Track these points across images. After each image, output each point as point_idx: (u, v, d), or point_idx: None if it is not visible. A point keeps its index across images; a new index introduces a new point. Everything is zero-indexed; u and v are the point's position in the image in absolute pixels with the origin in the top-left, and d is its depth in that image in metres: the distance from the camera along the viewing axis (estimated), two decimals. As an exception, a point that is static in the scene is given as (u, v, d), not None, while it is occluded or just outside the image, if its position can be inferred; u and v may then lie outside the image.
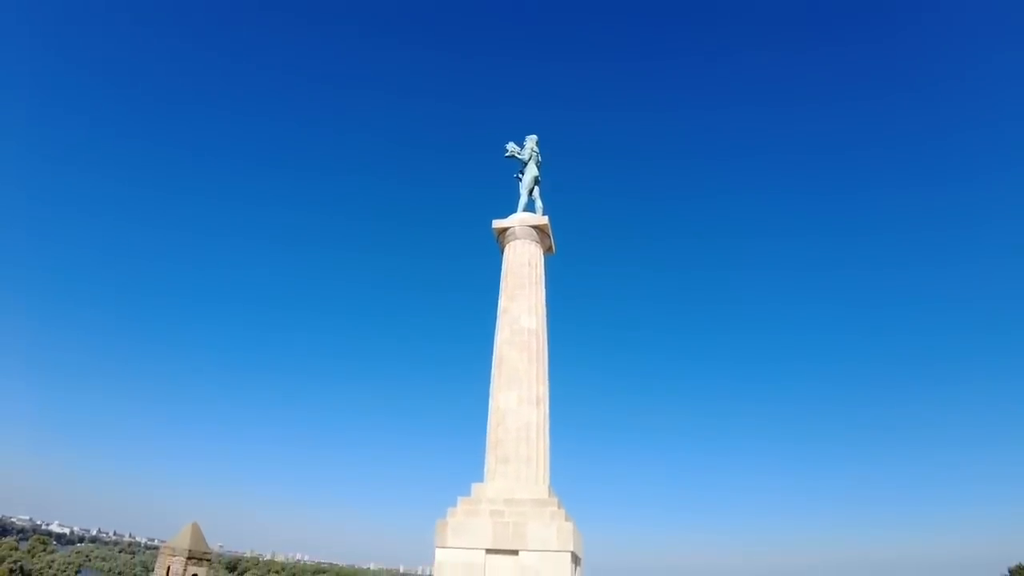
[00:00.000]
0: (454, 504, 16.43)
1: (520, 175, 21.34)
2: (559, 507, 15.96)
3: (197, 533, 26.84)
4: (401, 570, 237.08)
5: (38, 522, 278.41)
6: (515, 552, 15.09)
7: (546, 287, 19.70)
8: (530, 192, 21.03)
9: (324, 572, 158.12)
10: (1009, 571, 44.01)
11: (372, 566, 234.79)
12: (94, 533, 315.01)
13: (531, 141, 21.61)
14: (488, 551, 15.26)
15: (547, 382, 18.16)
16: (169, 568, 25.87)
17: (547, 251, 20.67)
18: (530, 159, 21.29)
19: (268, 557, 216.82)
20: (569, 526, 15.26)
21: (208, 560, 27.00)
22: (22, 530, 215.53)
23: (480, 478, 17.25)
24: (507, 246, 20.03)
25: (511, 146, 21.46)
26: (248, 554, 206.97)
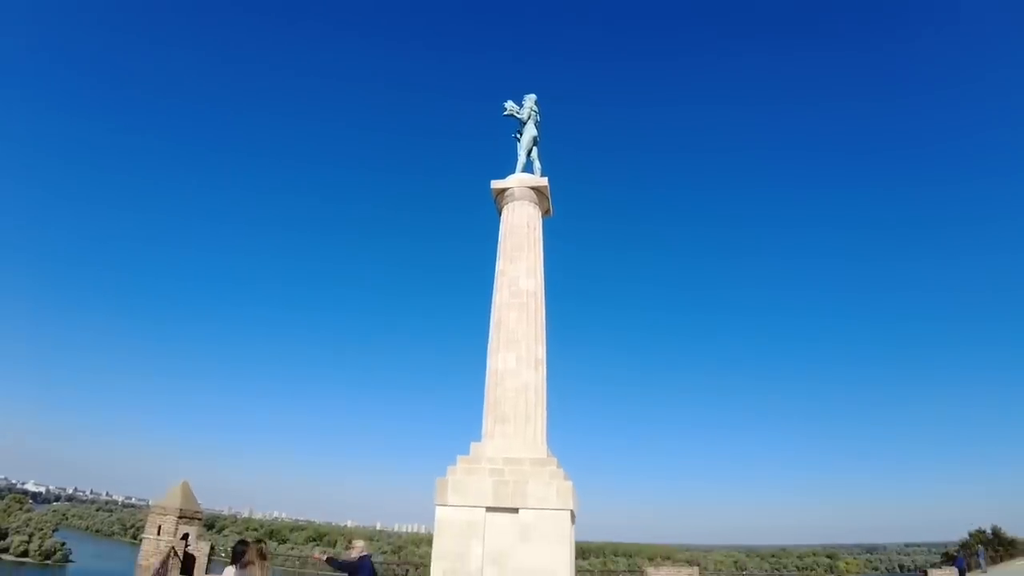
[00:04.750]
0: (453, 463, 16.63)
1: (518, 135, 21.00)
2: (558, 467, 16.29)
3: (188, 492, 26.82)
4: (378, 527, 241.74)
5: (13, 481, 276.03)
6: (515, 510, 15.41)
7: (544, 249, 19.69)
8: (528, 153, 20.75)
9: (302, 529, 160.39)
10: (969, 535, 46.47)
11: (349, 523, 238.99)
12: (70, 492, 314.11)
13: (530, 100, 21.20)
14: (488, 509, 15.54)
15: (545, 344, 18.29)
16: (160, 527, 25.88)
17: (545, 213, 20.57)
18: (529, 119, 20.94)
19: (246, 515, 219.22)
20: (568, 485, 15.60)
21: (199, 519, 27.07)
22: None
23: (475, 439, 17.45)
24: (505, 207, 19.87)
25: (509, 105, 21.05)
26: (226, 512, 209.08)
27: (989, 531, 45.97)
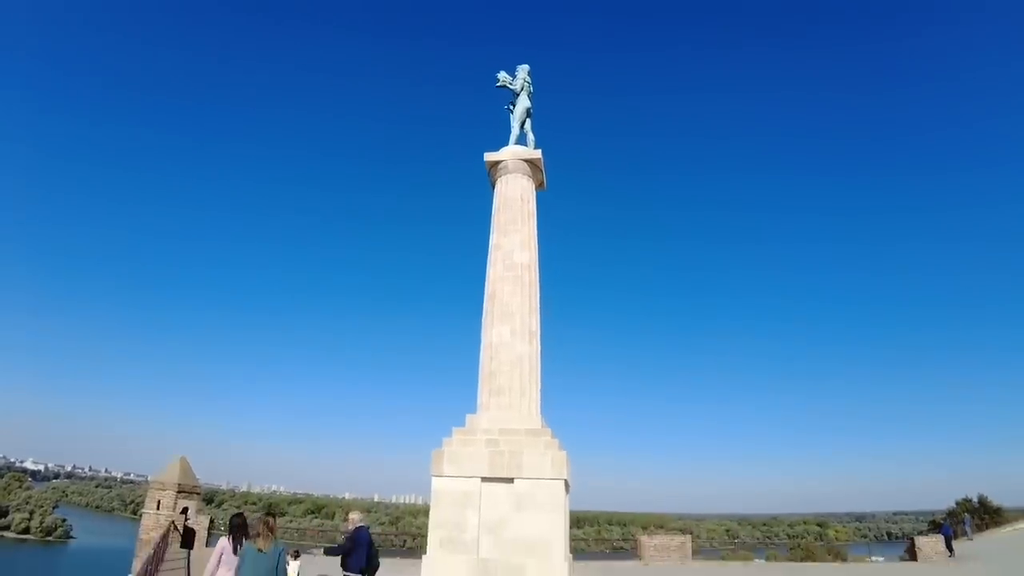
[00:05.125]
0: (448, 435, 16.77)
1: (511, 106, 20.70)
2: (552, 437, 16.45)
3: (186, 467, 27.05)
4: (376, 498, 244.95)
5: (11, 459, 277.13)
6: (510, 480, 15.60)
7: (538, 223, 19.61)
8: (522, 125, 20.47)
9: (300, 502, 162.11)
10: (956, 503, 47.30)
11: (347, 496, 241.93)
12: (69, 469, 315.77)
13: (523, 71, 20.85)
14: (484, 479, 15.73)
15: (539, 316, 18.34)
16: (159, 502, 26.14)
17: (539, 186, 20.41)
18: (522, 90, 20.62)
19: (244, 489, 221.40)
20: (563, 455, 15.78)
21: (197, 493, 27.35)
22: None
23: (470, 412, 17.57)
24: (499, 180, 19.72)
25: (502, 76, 20.72)
26: (224, 487, 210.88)
27: (976, 500, 46.77)
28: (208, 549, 22.12)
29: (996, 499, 47.04)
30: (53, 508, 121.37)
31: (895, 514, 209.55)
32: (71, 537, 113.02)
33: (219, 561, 8.72)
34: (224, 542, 8.88)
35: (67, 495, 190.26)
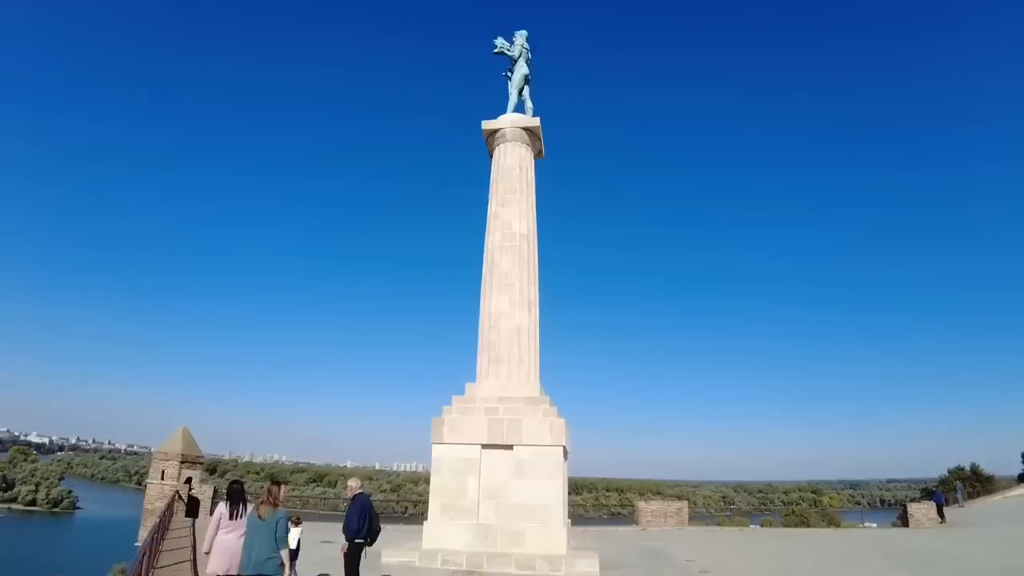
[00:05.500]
0: (449, 404, 16.92)
1: (509, 73, 20.37)
2: (551, 405, 16.60)
3: (188, 437, 27.31)
4: (377, 467, 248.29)
5: (16, 433, 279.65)
6: (510, 447, 15.79)
7: (536, 192, 19.47)
8: (520, 92, 20.18)
9: (302, 471, 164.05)
10: (949, 472, 47.99)
11: (349, 464, 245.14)
12: (73, 442, 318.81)
13: (520, 37, 20.46)
14: (484, 446, 15.93)
15: (537, 286, 18.35)
16: (163, 472, 26.44)
17: (537, 155, 20.21)
18: (520, 56, 20.26)
19: (247, 459, 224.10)
20: (561, 423, 15.94)
21: (201, 463, 27.66)
22: (0, 441, 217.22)
23: (470, 380, 17.70)
24: (497, 149, 19.52)
25: (500, 42, 20.35)
26: (227, 457, 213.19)
27: (968, 468, 47.45)
28: (212, 518, 22.47)
29: (988, 468, 47.89)
30: (59, 480, 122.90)
31: (889, 482, 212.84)
32: (78, 508, 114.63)
33: (217, 527, 8.88)
34: (222, 508, 9.03)
35: (72, 467, 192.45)
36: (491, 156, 19.85)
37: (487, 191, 19.28)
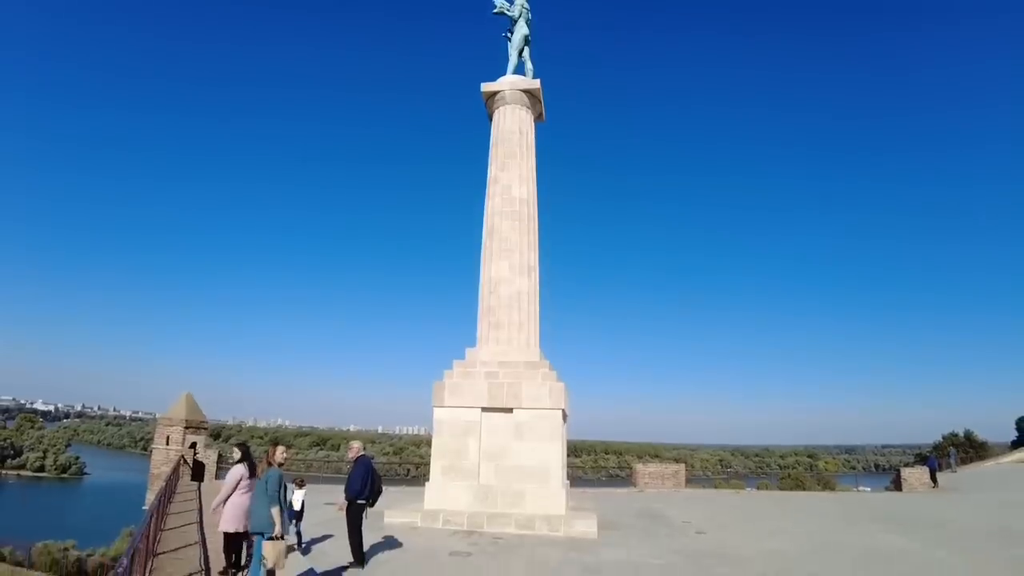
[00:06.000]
0: (449, 368, 17.05)
1: (509, 34, 19.93)
2: (550, 369, 16.73)
3: (192, 403, 27.60)
4: (380, 430, 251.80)
5: (21, 401, 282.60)
6: (509, 410, 15.96)
7: (537, 156, 19.26)
8: (520, 53, 19.79)
9: (306, 435, 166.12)
10: (943, 438, 48.56)
11: (352, 428, 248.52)
12: (79, 409, 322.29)
13: None
14: (484, 409, 16.10)
15: (537, 251, 18.29)
16: (168, 438, 26.78)
17: (538, 118, 19.94)
18: (520, 16, 19.80)
19: (251, 424, 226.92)
20: (560, 386, 16.08)
21: (205, 428, 28.00)
22: (6, 410, 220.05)
23: (470, 345, 17.81)
24: (496, 112, 19.24)
25: (499, 2, 19.86)
26: (231, 422, 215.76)
27: (963, 435, 48.04)
28: (217, 482, 22.83)
29: (983, 435, 48.55)
30: (66, 447, 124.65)
31: (884, 447, 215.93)
32: (85, 474, 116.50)
33: (235, 487, 9.08)
34: (243, 469, 9.25)
35: (78, 434, 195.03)
36: (491, 119, 19.59)
37: (487, 155, 19.07)
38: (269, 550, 7.52)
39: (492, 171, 18.62)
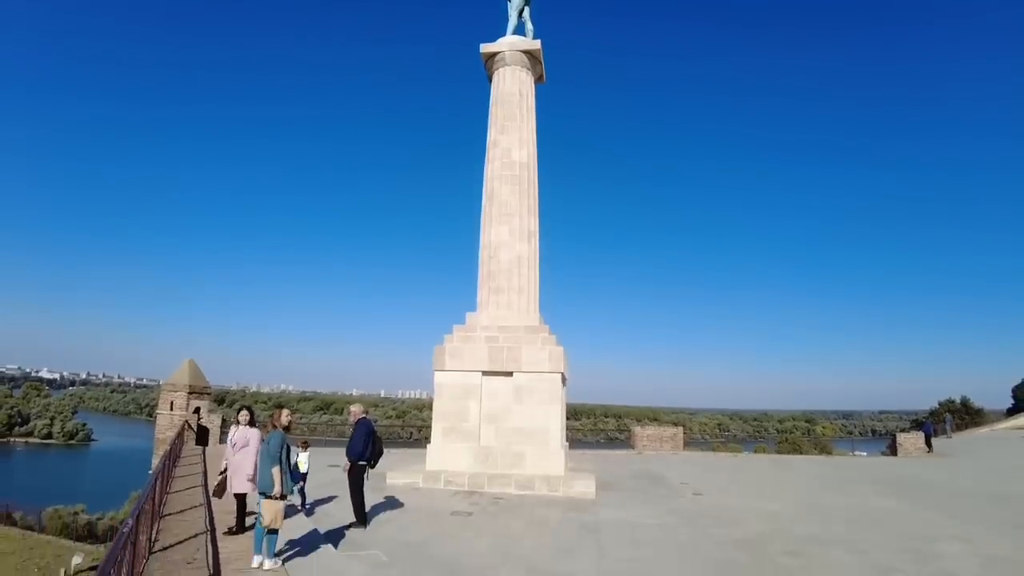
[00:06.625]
0: (449, 332, 17.11)
1: (509, -7, 19.48)
2: (550, 333, 16.79)
3: (195, 369, 27.79)
4: (382, 394, 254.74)
5: (27, 370, 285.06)
6: (509, 374, 16.08)
7: (537, 119, 18.98)
8: (520, 13, 19.33)
9: (309, 400, 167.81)
10: (939, 404, 48.92)
11: (354, 392, 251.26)
12: (84, 377, 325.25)
13: None
14: (484, 373, 16.22)
15: (537, 216, 18.18)
16: (172, 403, 27.05)
17: (538, 80, 19.59)
18: None
19: (254, 389, 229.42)
20: (559, 350, 16.16)
21: (208, 393, 28.25)
22: (12, 378, 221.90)
23: (470, 310, 17.85)
24: (496, 74, 18.89)
25: None
26: (235, 387, 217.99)
27: (959, 401, 48.41)
28: (222, 446, 23.15)
29: (979, 402, 48.93)
30: (72, 414, 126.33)
31: (881, 413, 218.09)
32: (92, 440, 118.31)
33: (231, 442, 9.33)
34: (239, 430, 9.50)
35: (84, 401, 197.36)
36: (490, 81, 19.26)
37: (486, 119, 18.79)
38: (267, 508, 7.67)
39: (492, 134, 18.37)
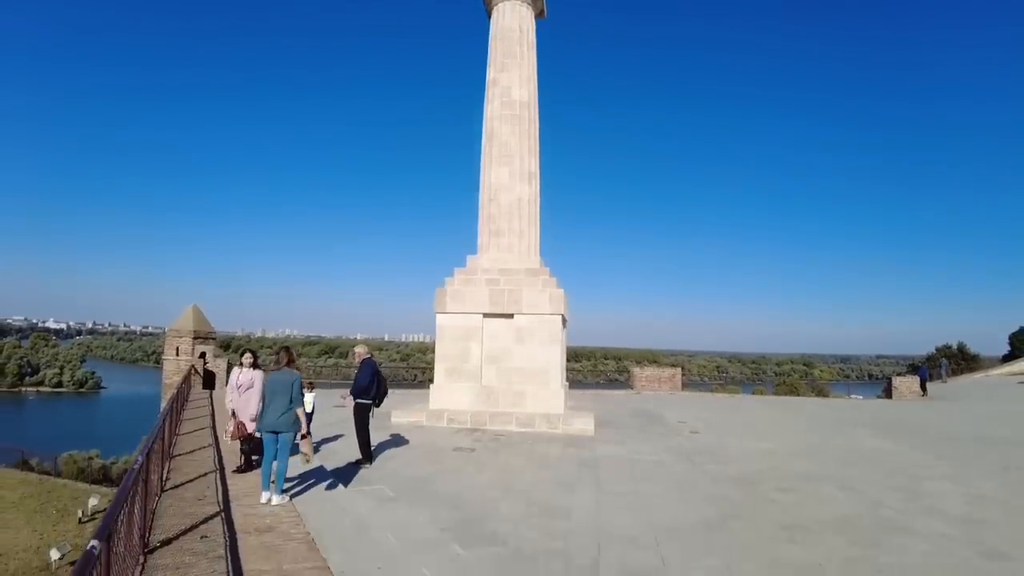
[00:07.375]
0: (451, 275, 17.13)
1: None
2: (550, 276, 16.79)
3: (199, 314, 28.01)
4: (386, 338, 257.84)
5: (34, 321, 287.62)
6: (510, 316, 16.17)
7: (538, 56, 18.41)
8: None
9: (314, 344, 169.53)
10: (936, 349, 49.31)
11: (359, 336, 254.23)
12: (90, 326, 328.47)
13: None
14: (485, 315, 16.33)
15: (538, 156, 17.88)
16: (178, 349, 27.36)
17: (539, 14, 18.90)
18: None
19: (259, 334, 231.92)
20: (560, 293, 16.19)
21: (213, 338, 28.57)
22: (20, 330, 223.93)
23: (471, 253, 17.80)
24: (495, 8, 18.20)
25: None
26: (240, 333, 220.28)
27: (955, 347, 48.84)
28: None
29: (976, 348, 49.39)
30: (81, 363, 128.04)
31: (878, 357, 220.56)
32: (102, 387, 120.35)
33: (236, 384, 9.54)
34: (241, 371, 9.70)
35: (92, 350, 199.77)
36: (489, 16, 18.59)
37: (486, 56, 18.22)
38: (308, 447, 8.30)
39: (491, 73, 17.86)
